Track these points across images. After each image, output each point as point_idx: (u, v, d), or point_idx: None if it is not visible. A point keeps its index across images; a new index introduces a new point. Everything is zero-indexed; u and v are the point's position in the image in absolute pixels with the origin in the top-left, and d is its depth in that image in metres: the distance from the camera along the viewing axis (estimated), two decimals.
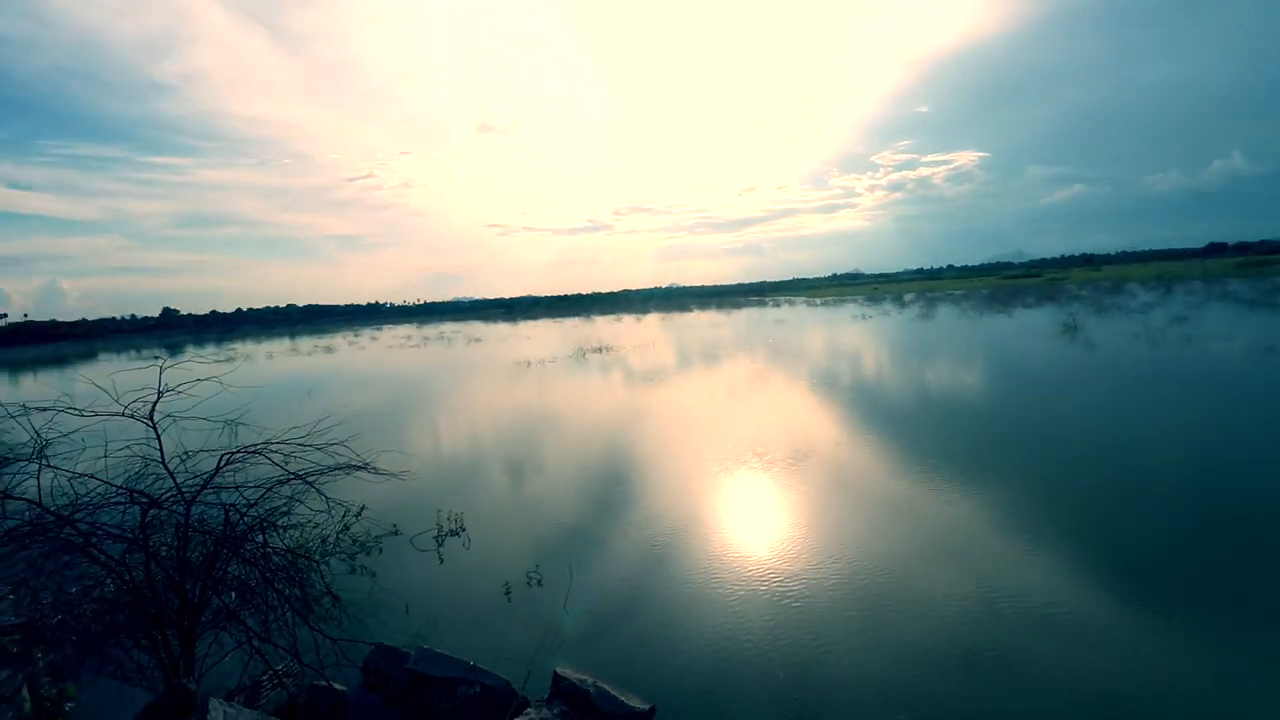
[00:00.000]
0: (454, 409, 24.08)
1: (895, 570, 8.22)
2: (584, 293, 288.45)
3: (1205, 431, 13.31)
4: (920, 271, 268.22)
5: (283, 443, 6.24)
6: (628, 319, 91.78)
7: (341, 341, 77.71)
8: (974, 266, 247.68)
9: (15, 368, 67.12)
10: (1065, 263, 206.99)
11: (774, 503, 11.24)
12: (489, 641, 7.13)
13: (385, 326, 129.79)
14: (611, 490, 12.52)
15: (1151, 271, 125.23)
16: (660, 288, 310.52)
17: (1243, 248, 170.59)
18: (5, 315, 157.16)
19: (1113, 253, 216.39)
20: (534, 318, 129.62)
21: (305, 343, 79.55)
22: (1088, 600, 7.21)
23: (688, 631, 7.22)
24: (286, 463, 6.16)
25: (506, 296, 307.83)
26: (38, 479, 5.55)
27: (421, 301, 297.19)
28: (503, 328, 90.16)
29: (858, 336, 41.63)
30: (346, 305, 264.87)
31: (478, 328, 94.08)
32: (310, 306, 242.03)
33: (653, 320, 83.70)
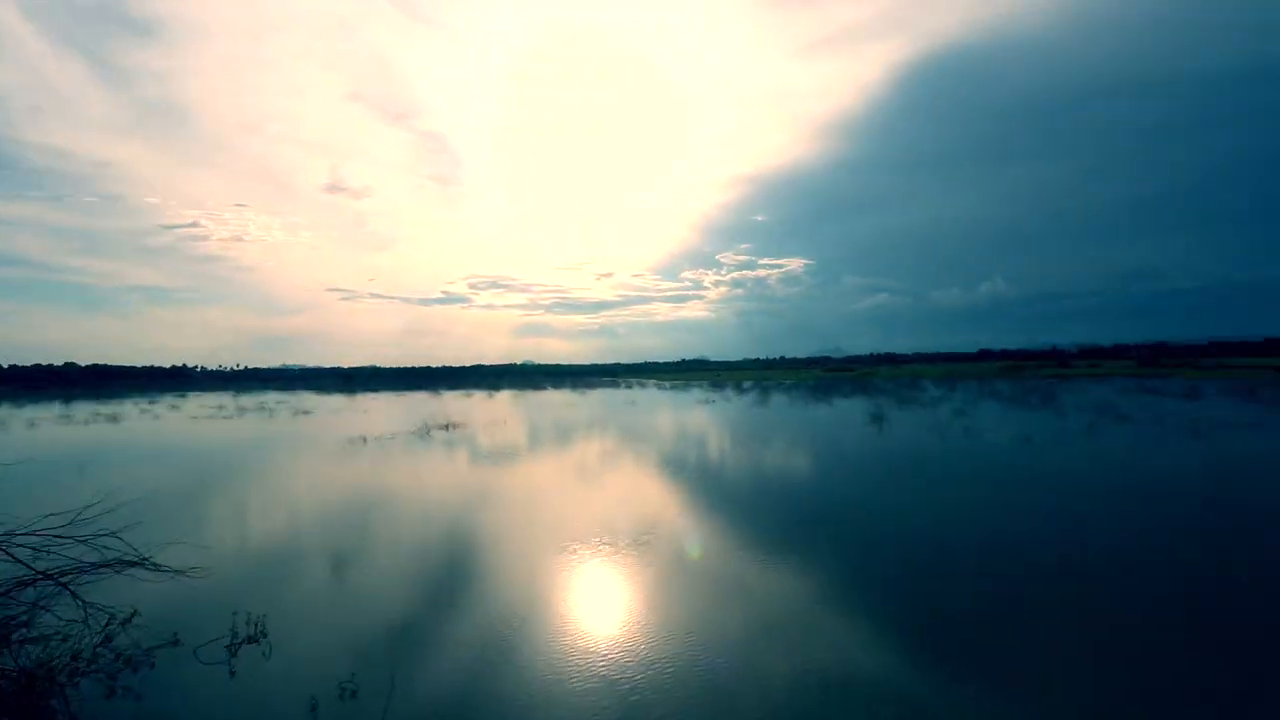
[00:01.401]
0: (265, 492, 21.33)
1: (731, 647, 8.48)
2: (434, 365, 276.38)
3: (970, 501, 15.65)
4: (757, 361, 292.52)
5: (29, 534, 5.19)
6: (479, 395, 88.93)
7: (131, 409, 66.24)
8: (801, 359, 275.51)
9: None
10: (874, 360, 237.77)
11: (615, 588, 11.18)
12: None
13: (191, 393, 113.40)
14: (447, 582, 11.70)
15: (939, 371, 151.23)
16: (515, 364, 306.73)
17: (1005, 354, 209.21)
18: None
19: (910, 353, 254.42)
20: (375, 390, 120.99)
21: (83, 409, 66.65)
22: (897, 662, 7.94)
23: None
24: (34, 559, 5.11)
25: (344, 366, 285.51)
26: None
27: (241, 366, 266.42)
28: (338, 400, 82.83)
29: (703, 420, 44.69)
30: (144, 367, 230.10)
31: (308, 399, 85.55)
32: (95, 366, 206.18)
33: (505, 398, 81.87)
